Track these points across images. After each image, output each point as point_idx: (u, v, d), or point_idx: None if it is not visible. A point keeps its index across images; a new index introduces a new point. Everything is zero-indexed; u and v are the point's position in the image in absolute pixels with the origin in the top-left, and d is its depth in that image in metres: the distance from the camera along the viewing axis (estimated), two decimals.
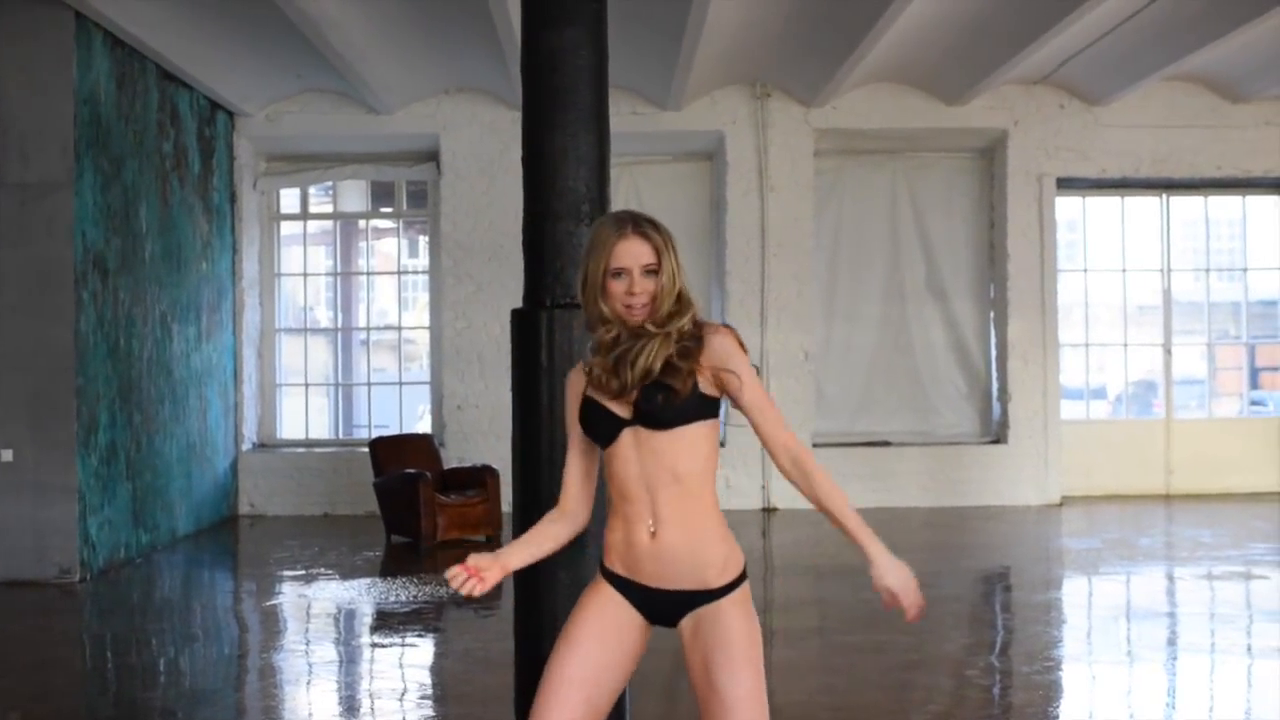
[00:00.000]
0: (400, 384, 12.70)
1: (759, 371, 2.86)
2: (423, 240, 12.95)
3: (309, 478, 11.64)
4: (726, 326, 2.84)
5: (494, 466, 10.07)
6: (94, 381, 8.53)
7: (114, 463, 8.85)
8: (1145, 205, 12.44)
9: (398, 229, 13.55)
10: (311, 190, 12.58)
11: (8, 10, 8.19)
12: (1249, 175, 11.97)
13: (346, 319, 13.45)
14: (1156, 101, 11.73)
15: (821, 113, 11.61)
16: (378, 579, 8.40)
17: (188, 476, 10.33)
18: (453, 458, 11.35)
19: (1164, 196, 12.37)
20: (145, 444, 9.44)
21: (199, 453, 10.61)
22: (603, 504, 3.00)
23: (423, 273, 12.93)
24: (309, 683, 5.95)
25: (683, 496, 2.76)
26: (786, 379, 11.62)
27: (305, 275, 12.76)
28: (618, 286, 2.74)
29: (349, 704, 5.58)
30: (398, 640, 6.74)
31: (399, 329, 13.08)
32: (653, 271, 2.74)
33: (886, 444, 11.86)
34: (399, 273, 13.60)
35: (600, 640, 2.79)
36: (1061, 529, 10.47)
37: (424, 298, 12.99)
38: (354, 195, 13.26)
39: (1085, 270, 12.46)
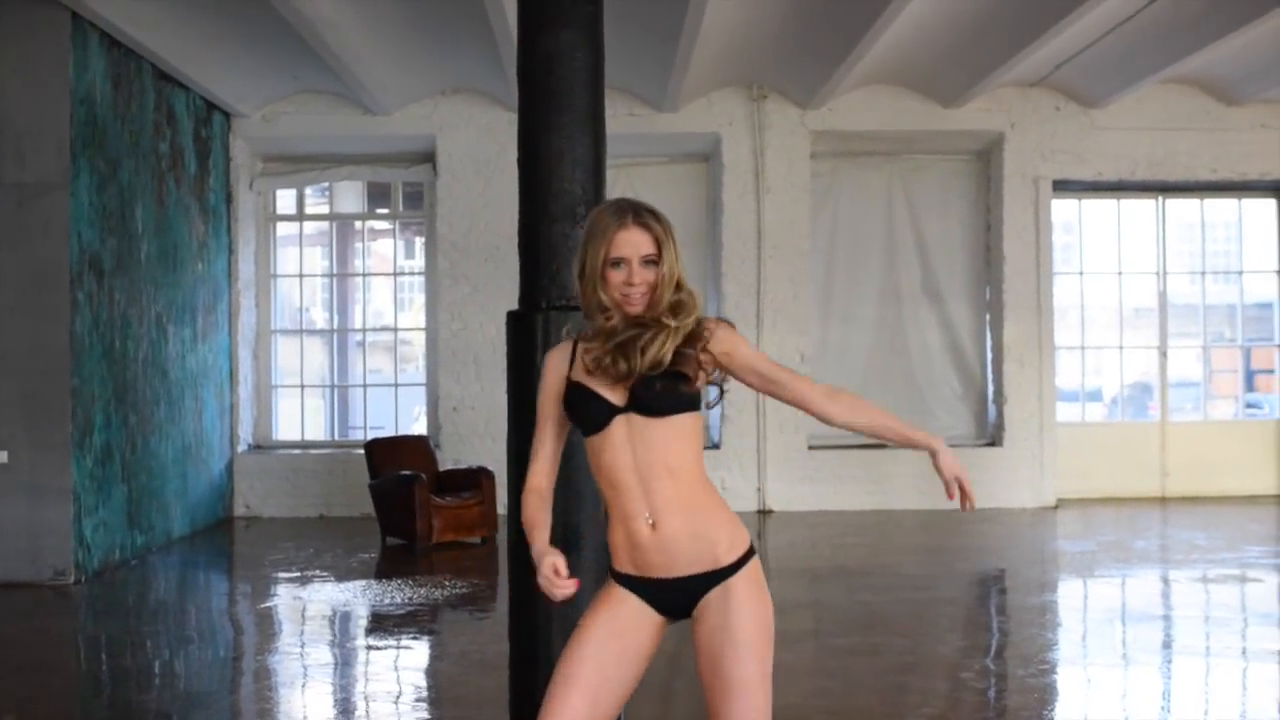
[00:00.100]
0: (396, 385, 12.69)
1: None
2: (419, 241, 12.94)
3: (304, 479, 11.63)
4: (725, 321, 2.87)
5: (489, 468, 10.08)
6: (89, 382, 8.52)
7: (109, 464, 8.84)
8: (1141, 208, 12.46)
9: (394, 230, 13.55)
10: (307, 191, 12.57)
11: (3, 10, 8.18)
12: (1244, 178, 11.98)
13: (342, 320, 13.44)
14: (1152, 104, 11.75)
15: (818, 115, 11.62)
16: (373, 581, 8.40)
17: (183, 478, 10.32)
18: (448, 459, 11.35)
19: (1160, 199, 12.39)
20: (140, 445, 9.43)
21: (194, 454, 10.60)
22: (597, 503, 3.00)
23: (419, 274, 12.93)
24: (304, 685, 5.95)
25: (677, 483, 2.76)
26: None
27: (301, 276, 12.75)
28: (616, 276, 2.73)
29: (344, 706, 5.58)
30: (393, 642, 6.73)
31: (395, 330, 13.08)
32: (652, 261, 2.74)
33: (882, 446, 11.85)
34: (395, 274, 13.61)
35: (610, 640, 2.78)
36: (1057, 531, 10.47)
37: (420, 299, 12.98)
38: (350, 196, 13.25)
39: (1081, 273, 12.47)
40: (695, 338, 2.78)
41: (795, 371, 2.90)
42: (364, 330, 12.89)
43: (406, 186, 12.39)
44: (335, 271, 13.94)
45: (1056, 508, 11.60)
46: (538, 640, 4.42)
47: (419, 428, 12.70)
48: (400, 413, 12.52)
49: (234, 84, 10.81)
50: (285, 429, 12.34)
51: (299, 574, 8.70)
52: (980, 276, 12.15)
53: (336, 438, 12.79)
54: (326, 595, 7.93)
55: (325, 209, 13.13)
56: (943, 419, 12.08)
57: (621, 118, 11.15)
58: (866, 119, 11.66)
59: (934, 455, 2.87)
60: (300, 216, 12.58)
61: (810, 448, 11.70)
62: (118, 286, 9.04)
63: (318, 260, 14.16)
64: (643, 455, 2.75)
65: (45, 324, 8.22)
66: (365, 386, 12.81)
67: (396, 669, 6.20)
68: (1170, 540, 10.02)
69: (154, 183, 9.78)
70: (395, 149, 11.99)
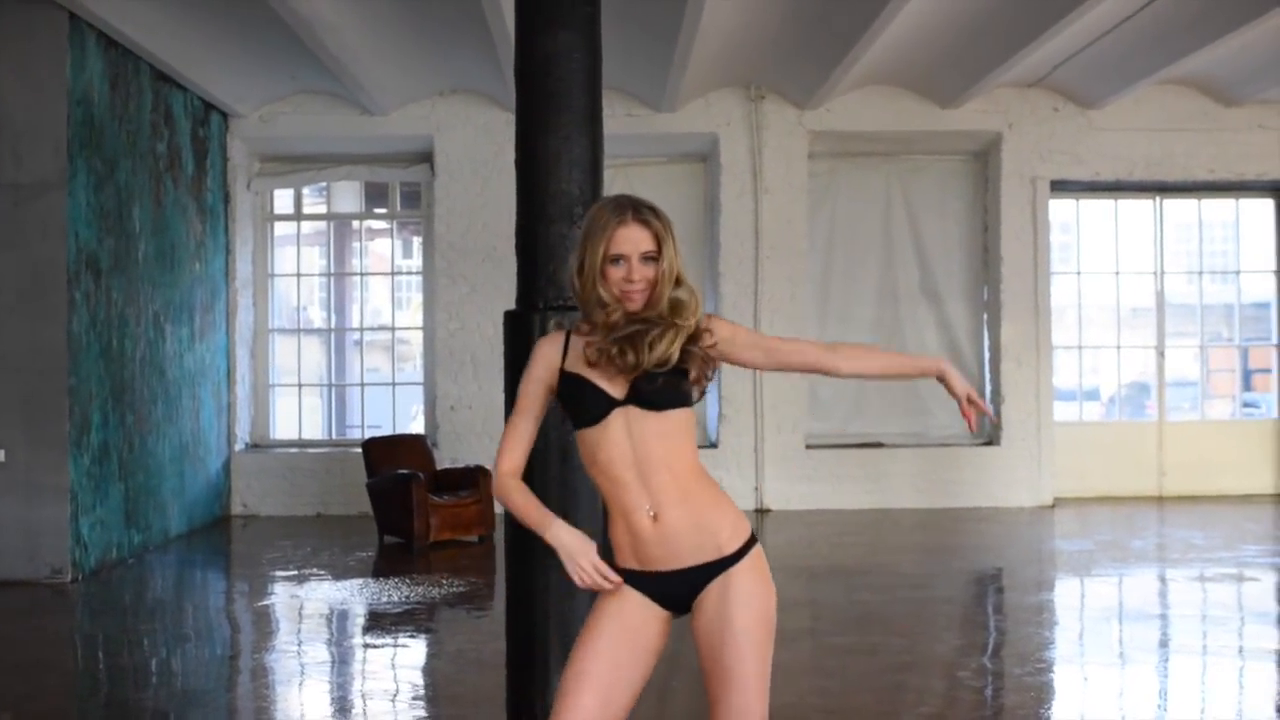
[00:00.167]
0: (393, 384, 12.69)
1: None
2: (416, 241, 12.95)
3: (302, 478, 11.63)
4: (717, 316, 2.91)
5: (487, 467, 10.08)
6: (87, 382, 8.52)
7: (106, 463, 8.84)
8: (1139, 208, 12.47)
9: (391, 230, 13.54)
10: (305, 191, 12.56)
11: (1, 10, 8.18)
12: (1242, 178, 12.00)
13: (340, 319, 13.45)
14: (1150, 105, 11.76)
15: (816, 115, 11.63)
16: (370, 580, 8.40)
17: (180, 477, 10.32)
18: (445, 458, 11.36)
19: (1157, 199, 12.40)
20: (138, 444, 9.43)
21: (192, 453, 10.60)
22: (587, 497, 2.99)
23: (416, 274, 12.93)
24: (301, 683, 5.95)
25: (676, 475, 2.77)
26: (780, 380, 11.63)
27: (299, 276, 12.75)
28: (616, 272, 2.74)
29: (341, 705, 5.58)
30: (390, 641, 6.73)
31: (392, 330, 13.08)
32: (651, 258, 2.74)
33: (880, 445, 11.87)
34: (392, 273, 13.62)
35: (619, 638, 2.78)
36: (1054, 531, 10.48)
37: (418, 298, 12.99)
38: (348, 196, 13.26)
39: (1078, 273, 12.48)
40: (697, 335, 2.80)
41: (794, 337, 2.96)
42: (361, 329, 12.89)
43: (404, 186, 12.39)
44: (333, 271, 13.94)
45: (1054, 507, 11.61)
46: (535, 639, 4.43)
47: (416, 427, 12.71)
48: (398, 412, 12.52)
49: (232, 84, 10.81)
50: (283, 428, 12.34)
51: (296, 572, 8.70)
52: (978, 276, 12.16)
53: (334, 436, 12.79)
54: (324, 594, 7.93)
55: (323, 209, 13.13)
56: (940, 418, 12.08)
57: (619, 118, 11.16)
58: (864, 119, 11.66)
59: (944, 378, 3.02)
60: (298, 216, 12.57)
61: (808, 447, 11.70)
62: (115, 286, 9.04)
63: (315, 260, 14.16)
64: (641, 448, 2.75)
65: (42, 323, 8.22)
66: (363, 385, 12.82)
67: (393, 667, 6.21)
68: (1167, 539, 10.03)
69: (151, 183, 9.78)
70: (393, 149, 11.99)
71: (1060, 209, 12.37)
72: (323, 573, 8.66)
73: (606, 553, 2.85)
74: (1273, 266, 12.54)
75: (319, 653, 6.60)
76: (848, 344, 3.01)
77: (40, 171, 8.24)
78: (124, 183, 9.22)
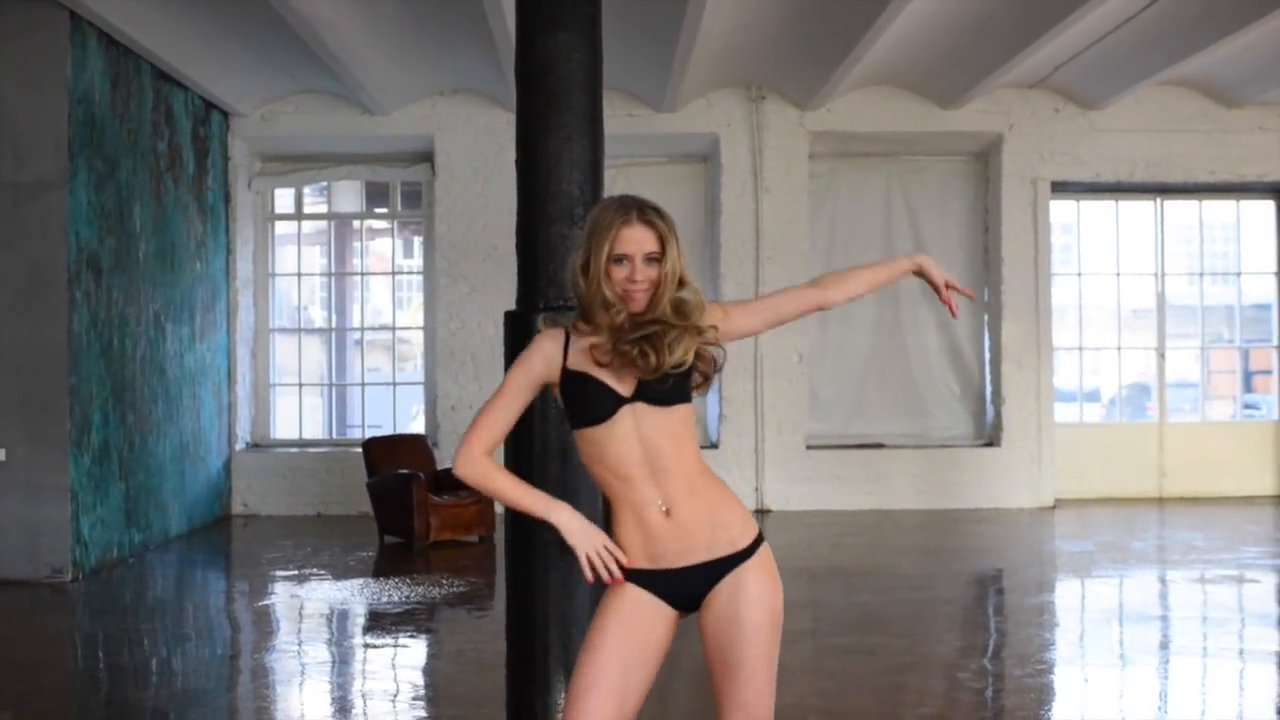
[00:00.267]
0: (394, 384, 12.70)
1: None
2: (417, 241, 12.95)
3: (302, 478, 11.63)
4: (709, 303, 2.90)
5: None
6: (87, 381, 8.52)
7: (107, 462, 8.84)
8: (1139, 209, 12.47)
9: (392, 229, 13.55)
10: (306, 190, 12.57)
11: (2, 9, 8.18)
12: (1243, 180, 11.99)
13: (341, 319, 13.45)
14: (1151, 106, 11.76)
15: (816, 115, 11.62)
16: (370, 579, 8.40)
17: (181, 476, 10.32)
18: (446, 458, 11.34)
19: (1158, 201, 12.40)
20: (138, 443, 9.43)
21: (192, 452, 10.60)
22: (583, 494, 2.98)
23: (417, 273, 12.93)
24: (301, 683, 5.95)
25: (684, 470, 2.77)
26: (781, 381, 11.63)
27: (299, 275, 12.75)
28: (619, 272, 2.73)
29: (341, 705, 5.58)
30: (390, 641, 6.73)
31: (393, 329, 13.08)
32: (655, 259, 2.74)
33: (880, 446, 11.87)
34: (393, 273, 13.61)
35: (630, 640, 2.77)
36: (1054, 532, 10.48)
37: (418, 298, 12.98)
38: (349, 196, 13.26)
39: (1079, 274, 12.48)
40: (702, 331, 2.81)
41: (777, 290, 2.98)
42: (362, 329, 12.89)
43: (405, 186, 12.39)
44: (333, 270, 13.94)
45: (1054, 508, 11.60)
46: (535, 639, 4.43)
47: (417, 427, 12.71)
48: (398, 412, 12.52)
49: (232, 83, 10.81)
50: (283, 427, 12.34)
51: (296, 572, 8.70)
52: (979, 277, 12.15)
53: (334, 436, 12.79)
54: (324, 593, 7.93)
55: (324, 208, 13.13)
56: (940, 419, 12.09)
57: (620, 118, 11.15)
58: (865, 120, 11.66)
59: (922, 271, 3.11)
60: (299, 216, 12.58)
61: (808, 447, 11.70)
62: (116, 285, 9.04)
63: (316, 259, 14.16)
64: (650, 445, 2.75)
65: (43, 323, 8.22)
66: (363, 385, 12.82)
67: (394, 667, 6.21)
68: (1168, 541, 10.03)
69: (152, 182, 9.78)
70: (394, 149, 11.99)
71: (1061, 210, 12.37)
72: (323, 572, 8.66)
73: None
74: (1273, 268, 12.53)
75: (319, 652, 6.59)
76: (828, 275, 3.04)
77: (41, 171, 8.24)
78: (125, 182, 9.22)
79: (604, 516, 2.95)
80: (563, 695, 4.35)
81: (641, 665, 2.78)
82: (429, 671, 6.23)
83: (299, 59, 10.05)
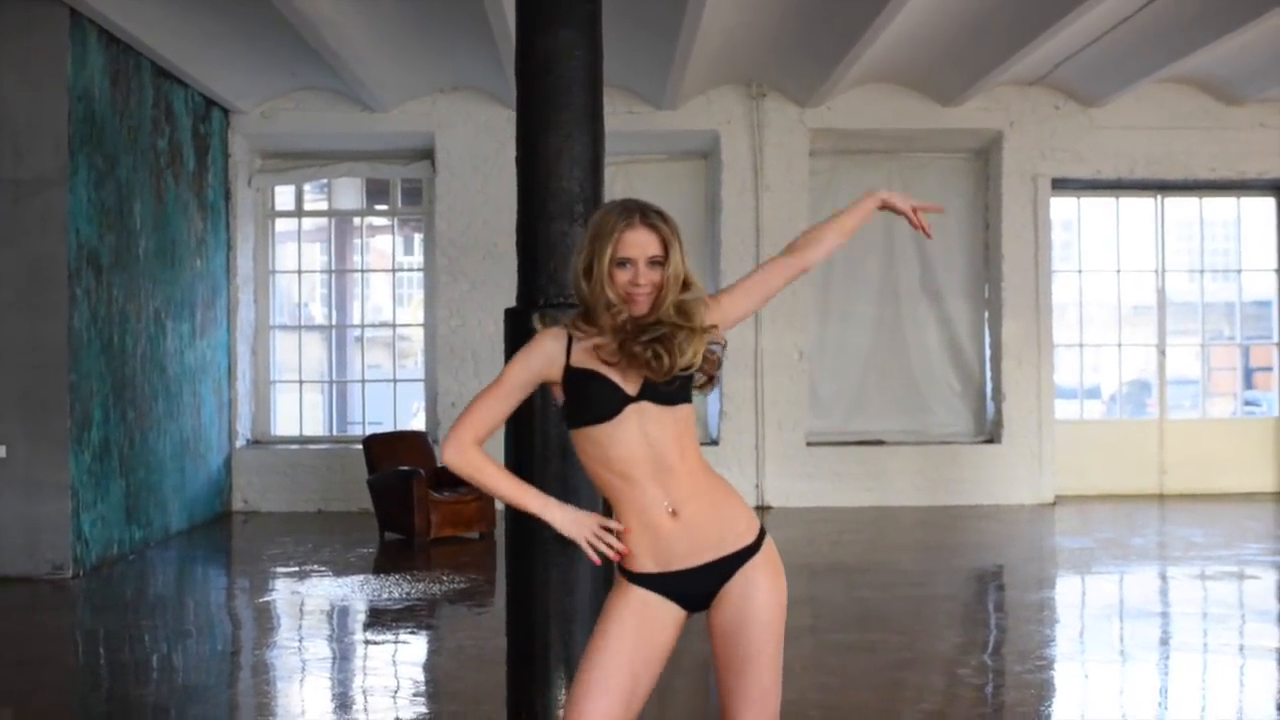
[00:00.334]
0: (395, 381, 12.70)
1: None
2: (417, 238, 12.95)
3: (303, 474, 11.64)
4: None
5: None
6: (87, 378, 8.53)
7: (107, 459, 8.85)
8: (1140, 206, 12.47)
9: (392, 226, 13.55)
10: (306, 187, 12.57)
11: (2, 6, 8.18)
12: (1243, 177, 11.99)
13: (341, 316, 13.45)
14: (1151, 103, 11.76)
15: (817, 113, 11.62)
16: (371, 576, 8.41)
17: (181, 473, 10.33)
18: None
19: (1159, 198, 12.39)
20: (139, 440, 9.43)
21: (192, 449, 10.61)
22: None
23: (417, 270, 12.93)
24: (302, 679, 5.96)
25: (689, 469, 2.77)
26: (781, 378, 11.64)
27: (300, 272, 12.75)
28: (622, 276, 2.72)
29: (342, 701, 5.59)
30: (391, 637, 6.74)
31: (393, 326, 13.08)
32: (658, 262, 2.73)
33: (880, 443, 11.87)
34: (394, 270, 13.61)
35: (635, 643, 2.76)
36: (1055, 528, 10.48)
37: (419, 295, 12.99)
38: (349, 193, 13.25)
39: (1080, 271, 12.47)
40: (707, 330, 2.82)
41: (757, 268, 2.99)
42: (362, 326, 12.89)
43: (405, 183, 12.39)
44: (334, 267, 13.94)
45: (1054, 505, 11.61)
46: (535, 635, 4.43)
47: (417, 423, 12.71)
48: (399, 408, 12.52)
49: (233, 81, 10.81)
50: (283, 424, 12.34)
51: (297, 569, 8.71)
52: (979, 274, 12.15)
53: (335, 433, 12.79)
54: (324, 590, 7.94)
55: (324, 205, 13.13)
56: (941, 416, 12.09)
57: (620, 115, 11.15)
58: (865, 117, 11.66)
59: (887, 205, 3.16)
60: (299, 213, 12.58)
61: (809, 444, 11.71)
62: (116, 282, 9.04)
63: (316, 256, 14.15)
64: (656, 445, 2.74)
65: (43, 319, 8.23)
66: (364, 382, 12.82)
67: (394, 664, 6.21)
68: (1168, 537, 10.03)
69: (152, 179, 9.78)
70: (394, 146, 11.99)
71: (1061, 207, 12.36)
72: (323, 569, 8.67)
73: (605, 573, 2.83)
74: (1274, 265, 12.53)
75: (320, 649, 6.60)
76: (800, 237, 3.07)
77: (41, 168, 8.24)
78: (125, 179, 9.22)
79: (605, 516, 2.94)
80: (563, 691, 4.36)
81: (647, 667, 2.78)
82: (429, 668, 6.23)
83: (299, 56, 10.05)
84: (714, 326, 2.82)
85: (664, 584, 2.79)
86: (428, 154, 11.91)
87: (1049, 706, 5.34)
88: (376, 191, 13.09)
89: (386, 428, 11.86)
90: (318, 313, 14.23)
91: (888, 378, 12.08)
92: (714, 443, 11.63)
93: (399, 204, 12.50)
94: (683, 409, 2.79)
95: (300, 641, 6.81)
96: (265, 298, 12.17)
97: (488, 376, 11.35)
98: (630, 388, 2.74)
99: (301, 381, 12.53)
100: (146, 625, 7.12)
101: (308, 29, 8.82)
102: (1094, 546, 9.46)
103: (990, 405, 11.98)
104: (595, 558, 2.78)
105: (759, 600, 2.77)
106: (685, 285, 2.76)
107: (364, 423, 12.56)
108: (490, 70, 10.46)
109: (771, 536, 2.89)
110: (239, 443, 11.68)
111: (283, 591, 8.06)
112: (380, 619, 7.15)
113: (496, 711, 4.81)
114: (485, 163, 11.53)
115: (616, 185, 11.53)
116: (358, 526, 10.52)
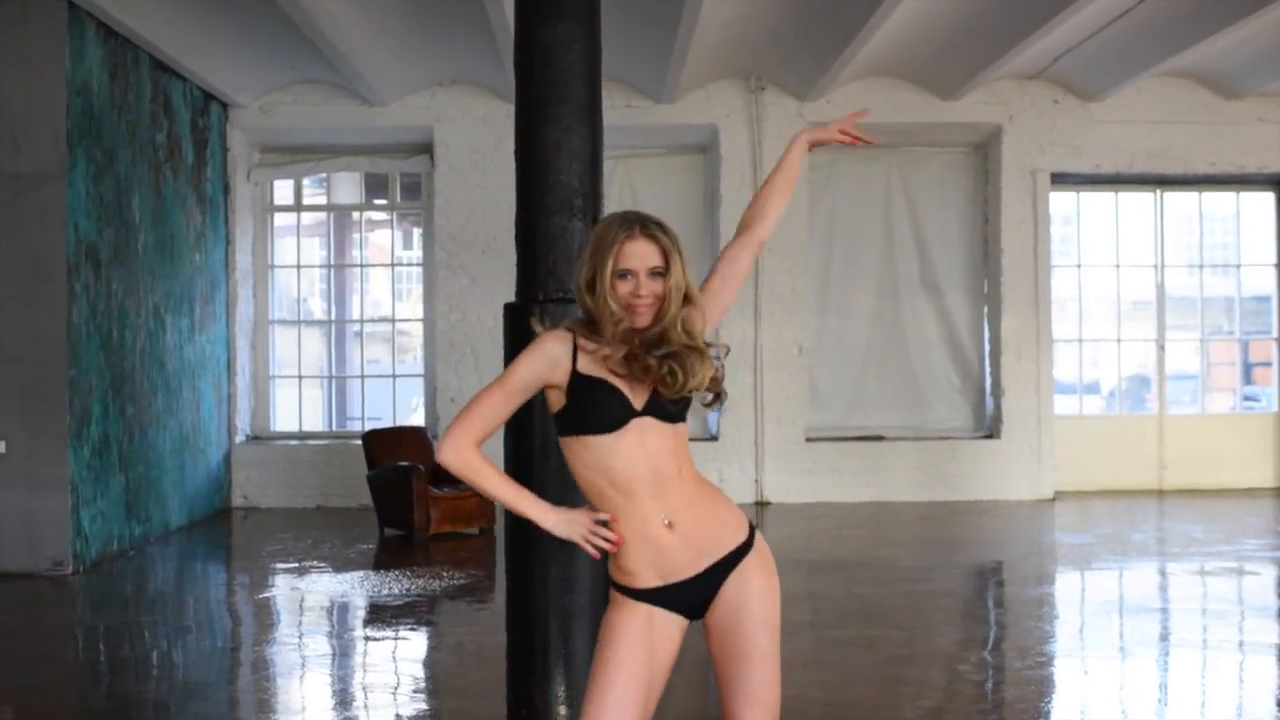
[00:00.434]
0: (394, 376, 12.69)
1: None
2: (417, 232, 12.94)
3: (302, 470, 11.63)
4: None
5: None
6: (86, 373, 8.52)
7: (106, 455, 8.84)
8: (1139, 201, 12.46)
9: (392, 221, 13.52)
10: (305, 182, 12.55)
11: (0, 1, 8.16)
12: (1243, 171, 11.98)
13: (340, 311, 13.44)
14: (1151, 97, 11.74)
15: (816, 107, 11.60)
16: (371, 572, 8.40)
17: (180, 469, 10.32)
18: None
19: (1158, 192, 12.38)
20: (138, 436, 9.42)
21: (192, 445, 10.60)
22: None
23: (417, 265, 12.92)
24: (302, 676, 5.95)
25: (684, 481, 2.79)
26: (780, 373, 11.63)
27: (299, 267, 12.74)
28: (623, 287, 2.72)
29: (342, 697, 5.58)
30: (391, 633, 6.74)
31: (393, 321, 13.07)
32: (659, 274, 2.73)
33: (879, 438, 11.87)
34: (393, 265, 13.59)
35: (643, 658, 2.78)
36: (1054, 524, 10.48)
37: (418, 290, 12.98)
38: (348, 187, 13.24)
39: (1079, 265, 12.47)
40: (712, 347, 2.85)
41: (718, 259, 3.01)
42: (362, 321, 12.88)
43: (404, 178, 12.37)
44: (333, 262, 13.91)
45: (1054, 500, 11.61)
46: (535, 631, 4.43)
47: (417, 419, 12.70)
48: (398, 404, 12.52)
49: (231, 74, 10.79)
50: (283, 420, 12.34)
51: (297, 565, 8.70)
52: (978, 269, 12.15)
53: (334, 428, 12.78)
54: (324, 586, 7.93)
55: (323, 200, 13.12)
56: (940, 411, 12.08)
57: (619, 109, 11.13)
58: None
59: (816, 143, 3.19)
60: (298, 207, 12.56)
61: (808, 440, 11.70)
62: (115, 277, 9.02)
63: (315, 251, 14.13)
64: (656, 459, 2.75)
65: (42, 314, 8.22)
66: (363, 377, 12.81)
67: (394, 660, 6.21)
68: (1167, 533, 10.03)
69: (151, 173, 9.77)
70: (393, 140, 11.97)
71: (1061, 201, 12.35)
72: (323, 565, 8.66)
73: (604, 570, 2.84)
74: (1273, 260, 12.52)
75: (320, 645, 6.59)
76: (748, 210, 3.08)
77: (39, 161, 8.23)
78: (123, 173, 9.21)
79: None
80: (562, 687, 4.36)
81: (658, 679, 2.83)
82: (429, 664, 6.23)
83: (298, 50, 10.03)
84: (723, 345, 2.86)
85: (668, 596, 2.81)
86: (426, 148, 11.89)
87: (1049, 702, 5.34)
88: (375, 186, 13.08)
89: (386, 423, 11.86)
90: (317, 308, 14.21)
91: (887, 373, 12.08)
92: (713, 438, 11.62)
93: (398, 198, 12.49)
94: (682, 427, 2.82)
95: (300, 638, 6.81)
96: (264, 292, 12.16)
97: (487, 371, 11.36)
98: (637, 401, 2.74)
99: (301, 377, 12.52)
100: (146, 621, 7.12)
101: (306, 22, 8.80)
102: (1093, 542, 9.46)
103: (990, 400, 11.97)
104: (595, 553, 2.79)
105: (754, 597, 2.80)
106: (687, 298, 2.76)
107: (363, 418, 12.55)
108: (489, 64, 10.45)
109: (771, 532, 2.90)
110: (238, 438, 11.67)
111: (282, 587, 8.05)
112: (380, 615, 7.14)
113: (496, 707, 4.80)
114: (484, 157, 11.52)
115: (615, 179, 11.52)
116: (357, 522, 10.51)
